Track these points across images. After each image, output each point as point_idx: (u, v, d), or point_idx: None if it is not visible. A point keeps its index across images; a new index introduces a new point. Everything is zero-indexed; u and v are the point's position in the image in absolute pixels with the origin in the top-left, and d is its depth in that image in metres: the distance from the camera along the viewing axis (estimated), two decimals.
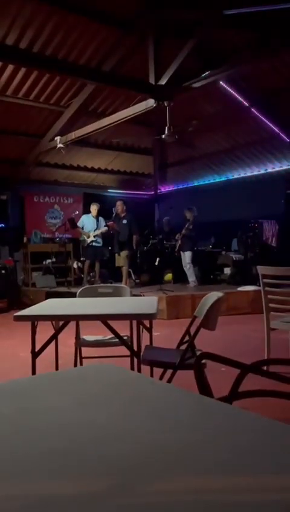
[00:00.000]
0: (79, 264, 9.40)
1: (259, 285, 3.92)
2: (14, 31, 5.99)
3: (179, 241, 8.33)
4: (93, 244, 8.35)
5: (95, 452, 0.75)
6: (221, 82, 7.65)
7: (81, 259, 9.23)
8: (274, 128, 8.50)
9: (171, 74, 6.03)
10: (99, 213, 8.51)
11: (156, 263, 8.52)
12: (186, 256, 8.11)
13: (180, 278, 8.44)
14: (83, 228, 8.43)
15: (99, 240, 8.41)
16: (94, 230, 8.34)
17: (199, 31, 6.03)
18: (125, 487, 0.65)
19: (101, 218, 8.48)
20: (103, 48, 6.86)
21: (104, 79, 6.61)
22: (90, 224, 8.42)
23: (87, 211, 8.88)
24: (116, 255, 8.35)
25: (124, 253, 8.14)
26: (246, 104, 8.19)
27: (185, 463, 0.72)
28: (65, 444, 0.78)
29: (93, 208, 8.50)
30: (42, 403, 0.99)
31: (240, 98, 8.14)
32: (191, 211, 8.19)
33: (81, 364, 3.14)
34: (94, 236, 8.29)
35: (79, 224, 8.49)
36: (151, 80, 6.10)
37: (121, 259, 8.18)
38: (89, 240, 8.31)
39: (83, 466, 0.71)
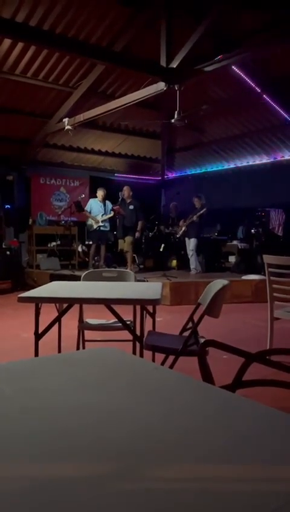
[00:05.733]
0: (84, 247, 9.41)
1: (263, 275, 3.90)
2: (25, 8, 5.87)
3: (184, 227, 8.31)
4: (101, 228, 8.35)
5: (95, 436, 0.75)
6: (233, 66, 7.50)
7: (86, 242, 9.22)
8: (286, 115, 8.36)
9: (183, 57, 5.91)
10: (106, 197, 8.49)
11: (161, 249, 8.51)
12: (191, 243, 8.11)
13: (185, 264, 8.44)
14: (90, 212, 8.42)
15: (107, 224, 8.42)
16: (101, 215, 8.33)
17: (212, 13, 5.88)
18: (124, 472, 0.64)
19: (108, 202, 8.46)
20: (114, 27, 6.73)
21: (115, 59, 6.48)
22: (97, 209, 8.42)
23: (93, 194, 8.83)
24: (120, 240, 8.32)
25: (128, 239, 8.13)
26: (257, 90, 8.04)
27: (185, 450, 0.71)
28: (66, 427, 0.78)
29: (100, 193, 8.49)
30: (45, 385, 0.98)
31: (252, 84, 7.99)
32: (199, 199, 8.17)
33: (83, 347, 3.16)
34: (102, 222, 8.29)
35: (87, 208, 8.49)
36: (163, 62, 5.98)
37: (126, 244, 8.16)
38: (95, 226, 8.31)
39: (82, 449, 0.70)
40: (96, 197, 8.55)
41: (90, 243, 8.68)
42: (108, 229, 8.49)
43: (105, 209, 8.40)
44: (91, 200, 8.62)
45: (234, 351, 1.17)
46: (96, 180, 10.12)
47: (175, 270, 8.58)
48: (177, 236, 8.55)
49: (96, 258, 8.59)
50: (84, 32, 6.63)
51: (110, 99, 7.59)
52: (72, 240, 9.15)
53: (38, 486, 0.60)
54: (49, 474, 0.64)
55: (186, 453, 0.70)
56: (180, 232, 8.44)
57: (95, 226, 8.35)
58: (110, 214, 8.30)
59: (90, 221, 8.46)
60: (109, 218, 8.33)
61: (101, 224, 8.30)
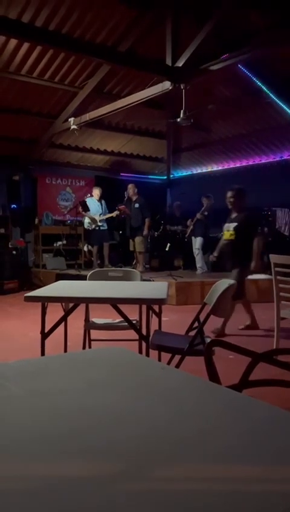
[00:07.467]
0: (89, 247, 9.43)
1: (269, 274, 3.88)
2: (31, 9, 5.88)
3: (192, 226, 8.31)
4: (100, 228, 8.36)
5: (102, 436, 0.75)
6: (239, 65, 7.47)
7: (87, 245, 9.23)
8: None
9: (189, 56, 5.89)
10: (104, 196, 8.53)
11: (167, 249, 8.51)
12: (197, 242, 8.10)
13: (191, 264, 8.43)
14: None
15: (105, 224, 8.43)
16: (99, 214, 8.35)
17: (218, 12, 5.86)
18: (130, 473, 0.64)
19: (103, 202, 8.49)
20: (119, 27, 6.72)
21: (120, 59, 6.49)
22: (94, 208, 8.44)
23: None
24: (131, 240, 8.34)
25: (138, 239, 8.15)
26: (264, 88, 8.00)
27: (192, 450, 0.71)
28: (73, 427, 0.78)
29: (96, 192, 8.54)
30: (53, 384, 0.99)
31: (258, 83, 7.95)
32: (208, 199, 8.18)
33: (89, 346, 3.16)
34: (99, 221, 8.31)
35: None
36: (168, 62, 5.97)
37: (137, 244, 8.18)
38: (94, 225, 8.32)
39: (89, 449, 0.70)
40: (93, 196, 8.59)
41: (93, 244, 8.68)
42: (106, 228, 8.50)
43: (102, 208, 8.43)
44: (88, 199, 8.64)
45: (240, 350, 1.17)
46: (102, 180, 10.14)
47: (181, 270, 8.57)
48: (186, 236, 8.54)
49: (99, 259, 8.60)
50: (89, 32, 6.63)
51: (116, 99, 7.59)
52: (78, 240, 9.17)
53: (46, 486, 0.61)
54: (56, 474, 0.64)
55: (193, 454, 0.70)
56: (189, 232, 8.43)
57: (93, 225, 8.35)
58: (107, 213, 8.29)
59: (86, 222, 8.44)
60: (111, 217, 8.34)
61: (99, 224, 8.32)
